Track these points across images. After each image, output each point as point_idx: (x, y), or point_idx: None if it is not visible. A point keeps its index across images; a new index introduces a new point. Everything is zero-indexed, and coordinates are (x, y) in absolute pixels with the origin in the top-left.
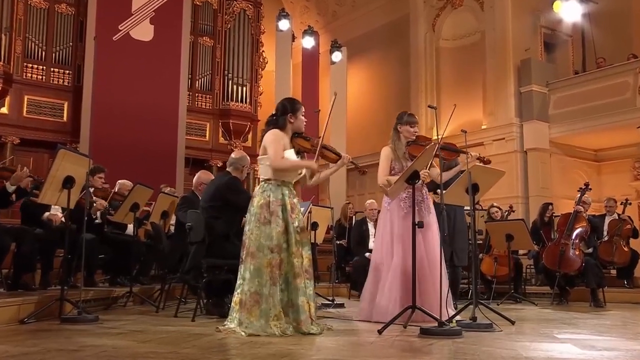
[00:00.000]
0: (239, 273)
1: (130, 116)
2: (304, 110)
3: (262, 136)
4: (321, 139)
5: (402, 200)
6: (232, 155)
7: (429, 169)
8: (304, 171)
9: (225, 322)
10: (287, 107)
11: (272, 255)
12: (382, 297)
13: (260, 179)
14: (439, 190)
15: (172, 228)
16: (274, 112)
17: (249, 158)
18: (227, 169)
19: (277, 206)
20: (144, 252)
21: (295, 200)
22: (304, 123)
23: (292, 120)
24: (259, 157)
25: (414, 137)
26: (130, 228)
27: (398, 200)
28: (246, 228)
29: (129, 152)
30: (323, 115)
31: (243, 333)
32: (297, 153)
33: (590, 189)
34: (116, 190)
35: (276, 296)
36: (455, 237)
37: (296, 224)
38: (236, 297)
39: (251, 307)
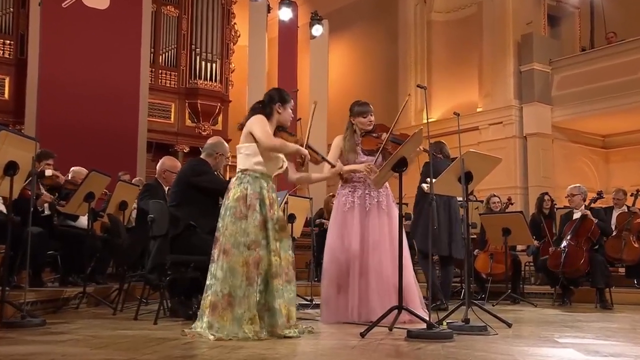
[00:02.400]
0: (209, 272)
1: (83, 94)
2: (292, 104)
3: (243, 123)
4: (307, 138)
5: (344, 195)
6: (209, 140)
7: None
8: (285, 164)
9: (193, 325)
10: (275, 97)
11: (249, 252)
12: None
13: (238, 170)
14: (428, 179)
15: (134, 220)
16: (261, 100)
17: (227, 147)
18: (200, 156)
19: (255, 199)
20: (99, 247)
21: (274, 195)
22: (291, 118)
23: (280, 111)
24: (238, 145)
25: (371, 127)
26: (84, 220)
27: (340, 196)
28: (219, 223)
29: (82, 136)
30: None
31: (211, 337)
32: None
33: (604, 197)
34: (68, 179)
35: (252, 298)
36: (453, 227)
37: (275, 220)
38: (207, 299)
39: (223, 310)
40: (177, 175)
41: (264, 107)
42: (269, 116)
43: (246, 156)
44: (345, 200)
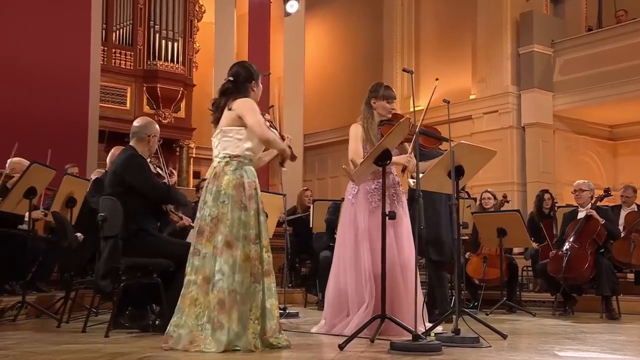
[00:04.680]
0: (191, 266)
1: (23, 76)
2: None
3: (214, 105)
4: (268, 119)
5: (371, 192)
6: (135, 123)
7: (410, 154)
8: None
9: (170, 330)
10: (252, 72)
11: (250, 247)
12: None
13: (222, 155)
14: (414, 174)
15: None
16: (230, 78)
17: (157, 126)
18: (129, 144)
19: (252, 189)
20: (42, 249)
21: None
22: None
23: (254, 89)
24: (225, 127)
25: (390, 115)
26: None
27: (365, 192)
28: (205, 211)
29: (23, 123)
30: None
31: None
32: None
33: (612, 194)
34: (7, 172)
35: (258, 296)
36: (443, 226)
37: (264, 213)
38: (187, 296)
39: (230, 308)
40: (111, 173)
41: (239, 88)
42: (246, 97)
43: (238, 140)
44: (370, 198)
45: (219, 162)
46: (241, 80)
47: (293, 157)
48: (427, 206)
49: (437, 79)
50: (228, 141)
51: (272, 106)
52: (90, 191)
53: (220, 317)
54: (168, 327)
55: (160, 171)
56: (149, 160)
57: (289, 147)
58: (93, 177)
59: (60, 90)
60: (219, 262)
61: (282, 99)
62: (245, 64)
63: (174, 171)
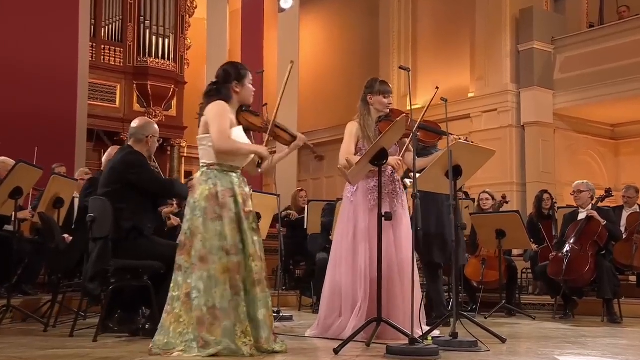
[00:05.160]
0: (175, 283)
1: (9, 73)
2: (251, 77)
3: (201, 109)
4: (274, 115)
5: (370, 190)
6: (132, 123)
7: (403, 154)
8: (252, 155)
9: (156, 340)
10: (230, 74)
11: (229, 258)
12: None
13: (201, 165)
14: (411, 174)
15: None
16: (214, 80)
17: (156, 126)
18: (127, 143)
19: (227, 197)
20: (28, 251)
21: (247, 189)
22: (253, 93)
23: (237, 90)
24: (198, 136)
25: (388, 111)
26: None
27: (364, 190)
28: (184, 225)
29: (8, 121)
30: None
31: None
32: (246, 131)
33: (613, 195)
34: None
35: (241, 308)
36: (446, 227)
37: (251, 220)
38: (172, 312)
39: (210, 325)
40: (109, 170)
41: (220, 90)
42: (227, 99)
43: (209, 149)
44: (370, 197)
45: (198, 173)
46: (221, 82)
47: (319, 157)
48: (431, 206)
49: (437, 88)
50: (203, 149)
51: (266, 104)
52: (84, 190)
53: (203, 334)
54: (151, 343)
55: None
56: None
57: (308, 144)
58: (77, 176)
59: (47, 88)
60: (193, 279)
61: (276, 98)
62: (229, 64)
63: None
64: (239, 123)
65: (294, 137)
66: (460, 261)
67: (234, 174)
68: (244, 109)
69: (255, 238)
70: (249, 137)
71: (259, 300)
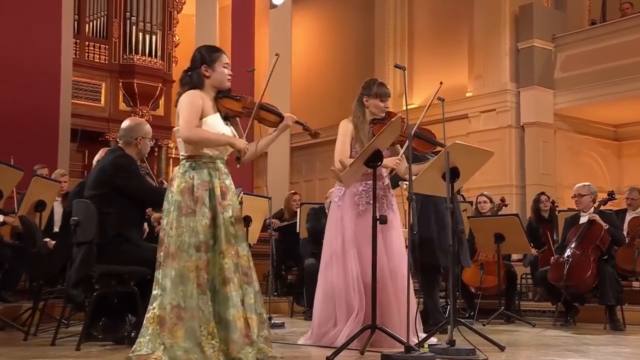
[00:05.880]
0: (156, 281)
1: None
2: (226, 60)
3: (177, 100)
4: (260, 97)
5: (358, 194)
6: (123, 124)
7: (399, 158)
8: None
9: (135, 348)
10: (199, 58)
11: (199, 255)
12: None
13: (180, 157)
14: (406, 176)
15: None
16: (187, 67)
17: (148, 126)
18: (117, 144)
19: (203, 191)
20: (9, 256)
21: (228, 181)
22: (228, 77)
23: (207, 74)
24: (176, 128)
25: (383, 115)
26: None
27: (352, 194)
28: (163, 221)
29: None
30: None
31: (165, 358)
32: (225, 118)
33: (616, 198)
34: None
35: (207, 309)
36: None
37: (229, 213)
38: (152, 313)
39: (173, 325)
40: (97, 172)
41: (192, 77)
42: (199, 86)
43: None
44: (358, 201)
45: (178, 167)
46: (192, 67)
47: (314, 134)
48: (432, 208)
49: (441, 83)
50: (179, 142)
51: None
52: (75, 195)
53: (163, 336)
54: (134, 346)
55: (149, 178)
56: (138, 164)
57: (300, 121)
58: (53, 178)
59: (29, 86)
60: (160, 275)
61: (267, 96)
62: (200, 48)
63: (164, 182)
64: (218, 110)
65: (282, 117)
66: (464, 263)
67: (213, 166)
68: (222, 95)
69: (232, 230)
70: (235, 124)
71: (228, 299)
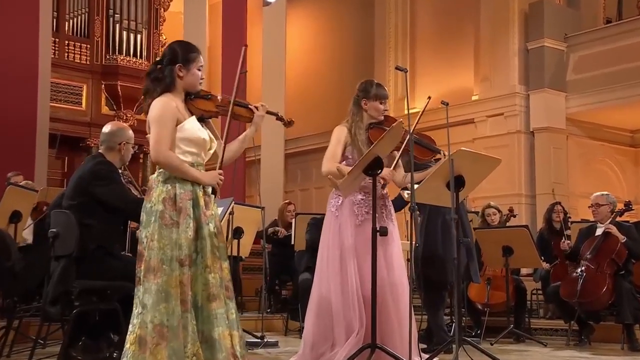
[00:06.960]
0: (136, 298)
1: None
2: (202, 62)
3: (146, 99)
4: (234, 93)
5: (357, 204)
6: (104, 129)
7: (394, 167)
8: (214, 144)
9: None
10: (177, 54)
11: (182, 269)
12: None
13: (157, 166)
14: (409, 185)
15: (30, 237)
16: (159, 59)
17: (130, 131)
18: (98, 150)
19: (186, 201)
20: None
21: (209, 190)
22: (200, 81)
23: (181, 74)
24: (149, 135)
25: (382, 118)
26: None
27: (351, 204)
28: (142, 233)
29: None
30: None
31: None
32: (201, 120)
33: (633, 209)
34: None
35: (190, 327)
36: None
37: (213, 224)
38: (132, 334)
39: (155, 346)
40: (76, 180)
41: (160, 79)
42: (170, 86)
43: None
44: (357, 211)
45: (155, 174)
46: (166, 62)
47: (289, 123)
48: (438, 220)
49: (429, 97)
50: None
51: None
52: (53, 206)
53: (144, 358)
54: None
55: (131, 186)
56: (120, 171)
57: (271, 110)
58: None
59: (3, 88)
60: (140, 291)
61: (260, 99)
62: (177, 43)
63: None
64: (191, 113)
65: (253, 111)
66: (474, 279)
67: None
68: (193, 96)
69: (216, 242)
70: (209, 126)
71: (215, 317)
